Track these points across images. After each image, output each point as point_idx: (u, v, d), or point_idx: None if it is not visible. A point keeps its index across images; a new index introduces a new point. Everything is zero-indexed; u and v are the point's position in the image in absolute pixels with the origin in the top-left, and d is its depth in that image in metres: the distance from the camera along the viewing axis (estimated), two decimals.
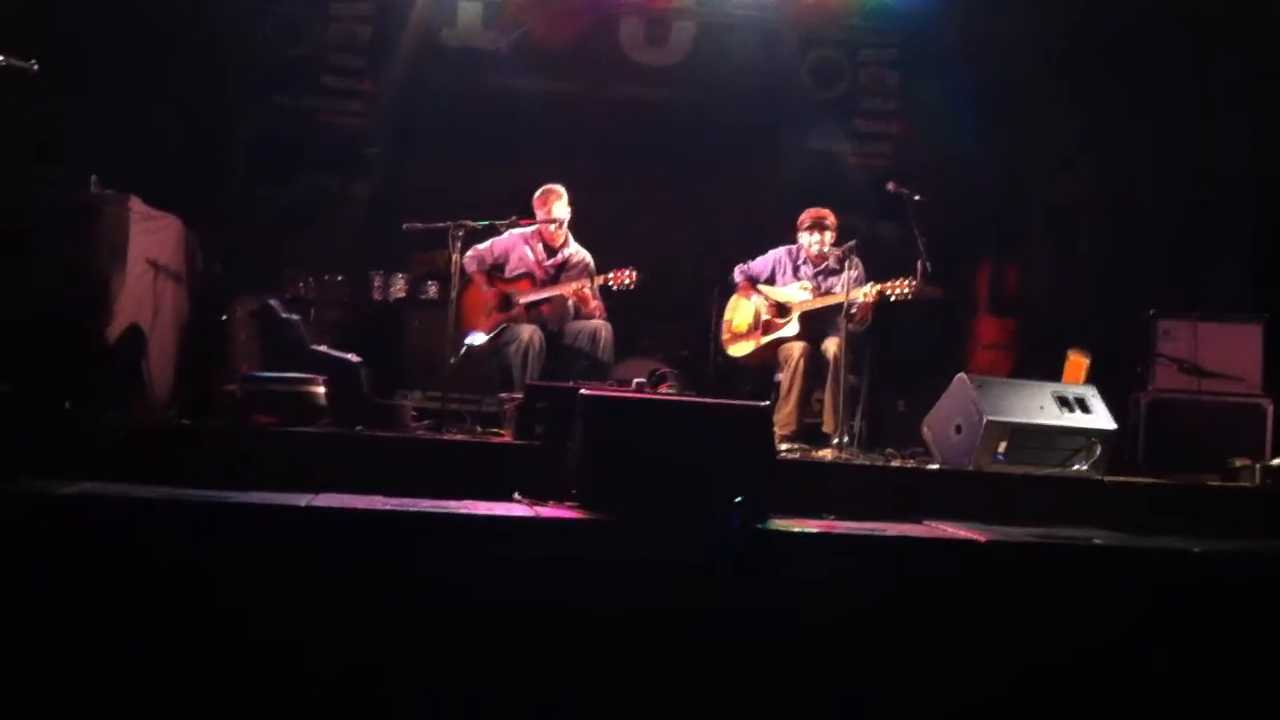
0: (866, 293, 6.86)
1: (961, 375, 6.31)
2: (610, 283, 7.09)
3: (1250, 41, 8.67)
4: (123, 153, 7.48)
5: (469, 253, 7.22)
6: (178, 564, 4.13)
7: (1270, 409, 7.43)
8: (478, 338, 7.11)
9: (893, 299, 6.87)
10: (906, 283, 6.80)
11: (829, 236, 7.42)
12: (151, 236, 6.17)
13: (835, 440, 6.76)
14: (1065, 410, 6.17)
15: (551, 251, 7.40)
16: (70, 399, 5.22)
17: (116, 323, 5.76)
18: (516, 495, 4.92)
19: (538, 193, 7.39)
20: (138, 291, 6.00)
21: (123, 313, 5.82)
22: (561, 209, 7.31)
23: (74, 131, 7.91)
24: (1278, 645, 4.78)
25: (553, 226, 7.30)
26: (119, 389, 5.59)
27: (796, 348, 7.17)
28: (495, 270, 7.38)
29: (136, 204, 5.96)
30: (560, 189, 7.36)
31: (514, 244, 7.39)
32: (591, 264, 7.42)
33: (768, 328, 7.38)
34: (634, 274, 7.08)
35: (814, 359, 7.15)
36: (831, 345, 7.07)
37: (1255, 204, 8.92)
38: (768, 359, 7.39)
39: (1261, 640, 4.78)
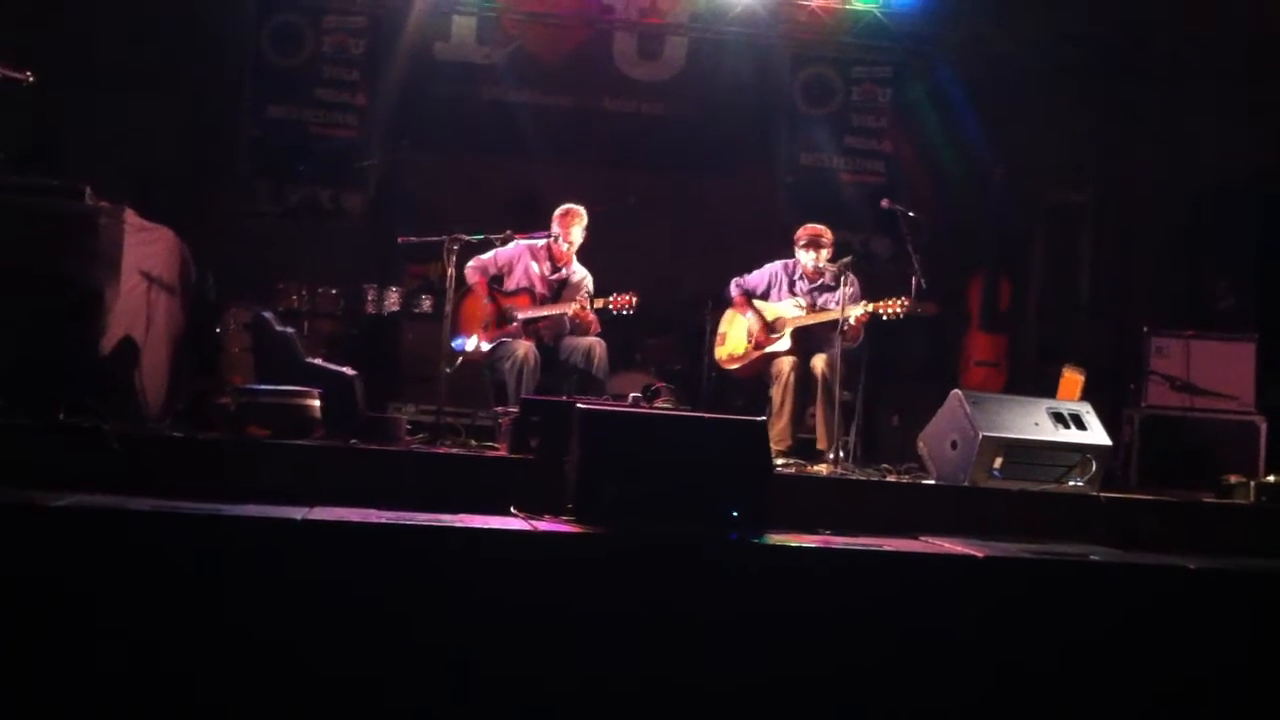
0: (859, 314, 6.87)
1: (956, 391, 6.30)
2: (610, 307, 7.09)
3: (1256, 44, 8.69)
4: (118, 161, 7.49)
5: (471, 262, 7.22)
6: (172, 577, 4.10)
7: (1264, 427, 7.45)
8: (470, 342, 7.09)
9: (885, 318, 6.88)
10: (899, 302, 6.81)
11: (825, 254, 7.41)
12: (145, 248, 6.14)
13: (829, 456, 6.76)
14: (1060, 426, 6.16)
15: (556, 269, 7.40)
16: (63, 410, 5.19)
17: (110, 334, 5.72)
18: (513, 509, 4.90)
19: (560, 210, 7.37)
20: (131, 303, 5.96)
21: (116, 324, 5.78)
22: (579, 232, 7.31)
23: (69, 138, 7.90)
24: (1272, 662, 4.79)
25: (565, 246, 7.30)
26: (112, 400, 5.55)
27: (787, 363, 7.17)
28: (495, 281, 7.37)
29: (131, 216, 5.92)
30: (583, 211, 7.35)
31: (519, 255, 7.38)
32: (590, 284, 7.42)
33: (760, 342, 7.38)
34: (634, 299, 7.10)
35: (805, 374, 7.16)
36: (820, 362, 7.09)
37: (1259, 215, 8.94)
38: (760, 373, 7.39)
39: (1256, 657, 4.78)
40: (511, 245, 7.36)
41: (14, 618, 3.95)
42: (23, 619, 3.96)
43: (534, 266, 7.35)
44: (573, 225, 7.31)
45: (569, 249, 7.33)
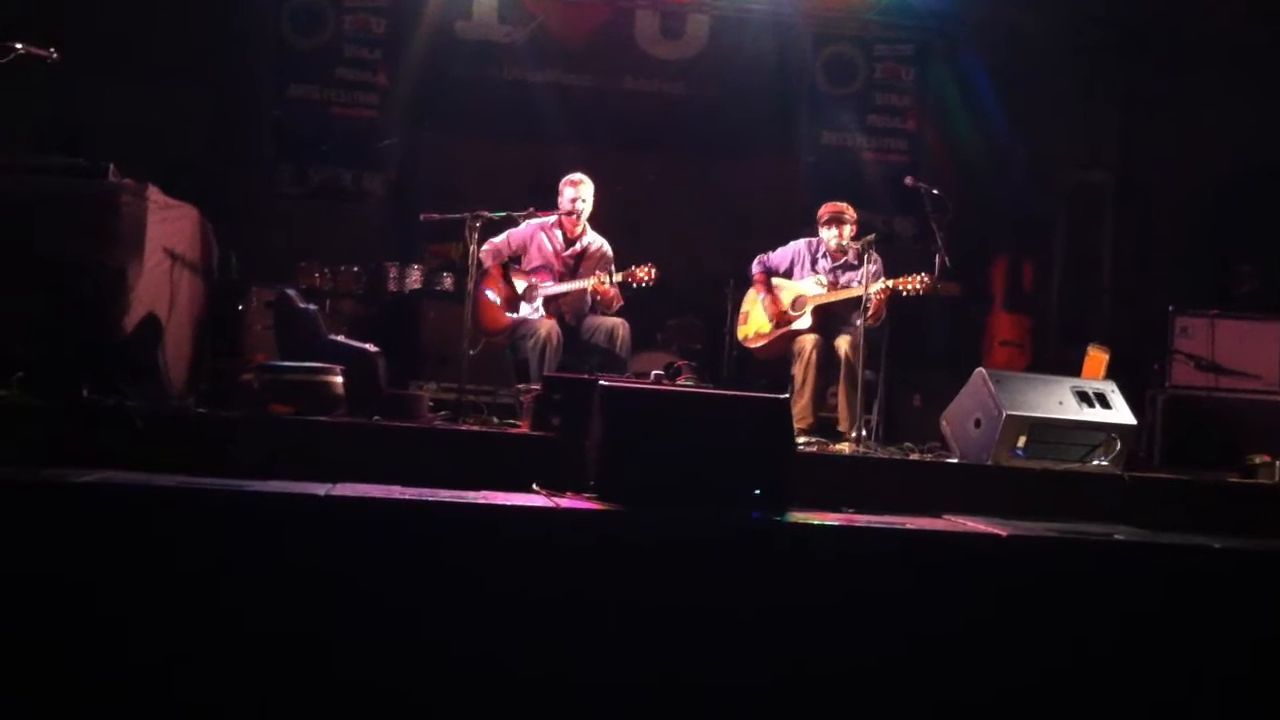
0: (879, 289, 6.84)
1: (980, 370, 6.27)
2: (630, 280, 7.06)
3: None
4: (141, 142, 7.50)
5: (485, 246, 7.19)
6: (196, 553, 4.11)
7: None
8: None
9: (905, 294, 6.85)
10: (918, 278, 6.79)
11: (848, 231, 7.39)
12: (169, 226, 6.14)
13: (851, 435, 6.74)
14: (1085, 405, 6.11)
15: (570, 242, 7.37)
16: (87, 387, 5.20)
17: (134, 312, 5.73)
18: (535, 486, 4.91)
19: (564, 180, 7.35)
20: (155, 281, 5.98)
21: (140, 302, 5.79)
22: (587, 194, 7.26)
23: (92, 119, 7.92)
24: None
25: (574, 215, 7.27)
26: (136, 379, 5.57)
27: (809, 340, 7.15)
28: (512, 262, 7.36)
29: (154, 193, 5.93)
30: (578, 177, 7.32)
31: (531, 234, 7.36)
32: (609, 253, 7.39)
33: (781, 320, 7.36)
34: (653, 270, 7.06)
35: (827, 353, 7.14)
36: (843, 343, 7.06)
37: None
38: (782, 352, 7.37)
39: None
40: (523, 226, 7.34)
41: (38, 595, 3.97)
42: (47, 596, 3.98)
43: (547, 244, 7.33)
44: (565, 190, 7.27)
45: (579, 216, 7.29)
